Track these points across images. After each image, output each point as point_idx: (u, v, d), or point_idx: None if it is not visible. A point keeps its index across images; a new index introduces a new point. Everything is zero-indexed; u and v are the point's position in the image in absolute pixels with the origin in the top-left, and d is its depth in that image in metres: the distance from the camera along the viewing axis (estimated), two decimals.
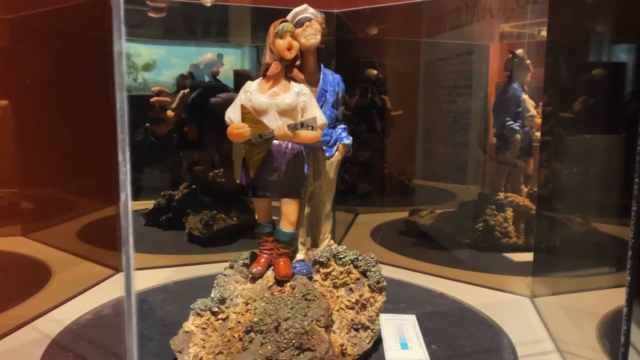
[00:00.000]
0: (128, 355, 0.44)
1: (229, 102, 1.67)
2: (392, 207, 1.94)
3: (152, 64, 1.78)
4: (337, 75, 0.94)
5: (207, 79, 1.71)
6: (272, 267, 0.90)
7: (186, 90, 1.71)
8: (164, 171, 1.87)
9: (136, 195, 1.75)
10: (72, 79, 1.38)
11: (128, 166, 0.44)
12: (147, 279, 1.25)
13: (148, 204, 1.75)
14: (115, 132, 1.36)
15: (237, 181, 1.80)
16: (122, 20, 0.41)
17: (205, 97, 1.70)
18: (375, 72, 1.98)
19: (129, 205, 0.45)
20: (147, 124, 1.64)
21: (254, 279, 0.91)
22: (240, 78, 1.74)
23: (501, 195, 1.52)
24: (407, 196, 1.98)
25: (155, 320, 1.03)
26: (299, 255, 0.91)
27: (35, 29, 1.43)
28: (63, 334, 0.95)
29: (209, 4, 1.71)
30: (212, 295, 0.89)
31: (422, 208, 1.66)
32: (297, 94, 0.86)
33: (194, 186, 1.76)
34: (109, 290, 1.18)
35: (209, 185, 1.76)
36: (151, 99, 1.68)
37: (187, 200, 1.72)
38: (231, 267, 1.02)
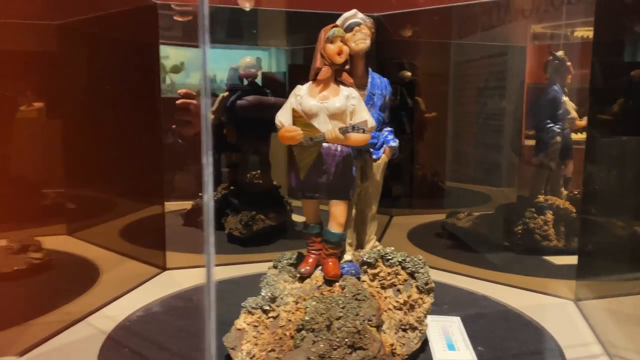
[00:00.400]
0: (207, 348, 0.46)
1: (258, 105, 1.72)
2: (426, 209, 1.94)
3: (180, 66, 1.82)
4: (384, 78, 0.95)
5: (245, 82, 1.74)
6: (320, 267, 0.92)
7: (225, 94, 1.74)
8: (201, 173, 1.90)
9: (174, 196, 1.80)
10: (118, 82, 1.42)
11: (210, 169, 0.46)
12: (190, 278, 1.28)
13: (186, 205, 1.79)
14: (159, 133, 1.39)
15: (274, 182, 1.83)
16: (206, 28, 0.42)
17: (244, 101, 1.72)
18: (409, 74, 1.98)
19: (211, 205, 0.47)
20: (173, 126, 1.68)
21: (302, 278, 0.93)
22: (269, 81, 1.77)
23: (541, 198, 1.52)
24: (441, 198, 1.99)
25: (202, 317, 1.05)
26: (347, 256, 0.93)
27: (83, 34, 1.47)
28: (117, 330, 0.98)
29: (247, 9, 1.75)
30: (262, 294, 0.91)
31: (459, 210, 1.66)
32: (346, 98, 0.87)
33: (232, 187, 1.79)
34: (156, 289, 1.22)
35: (247, 187, 1.79)
36: (177, 101, 1.71)
37: (225, 201, 1.75)
38: (275, 267, 1.05)
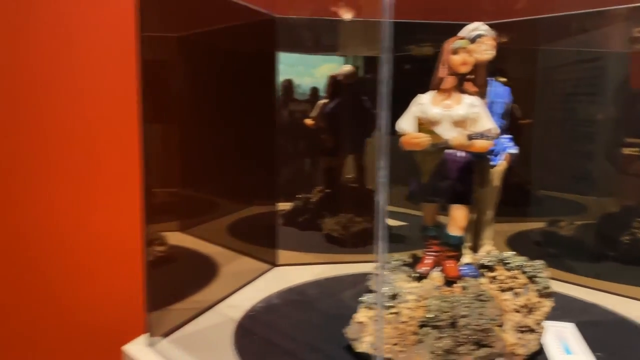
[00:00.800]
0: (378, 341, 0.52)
1: (355, 112, 1.78)
2: (522, 217, 1.93)
3: None
4: (507, 87, 0.99)
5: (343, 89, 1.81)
6: (437, 269, 0.96)
7: (325, 101, 1.82)
8: (298, 175, 1.99)
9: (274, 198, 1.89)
10: (233, 90, 1.51)
11: (386, 171, 0.51)
12: (298, 275, 1.36)
13: (284, 206, 1.88)
14: (272, 135, 1.48)
15: (368, 187, 1.88)
16: (389, 42, 0.48)
17: (342, 107, 1.79)
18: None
19: (385, 207, 0.53)
20: None
21: (419, 278, 0.98)
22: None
23: None
24: (536, 206, 1.96)
25: (319, 312, 1.13)
26: (466, 259, 0.97)
27: (202, 45, 1.59)
28: (245, 319, 1.07)
29: (347, 19, 1.82)
30: (382, 291, 0.96)
31: (560, 219, 1.64)
32: (469, 106, 0.91)
33: (328, 190, 1.86)
34: (270, 283, 1.30)
35: (342, 190, 1.86)
36: None
37: (322, 203, 1.82)
38: (382, 267, 1.10)
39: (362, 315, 0.94)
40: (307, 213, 1.83)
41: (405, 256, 1.16)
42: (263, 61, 1.45)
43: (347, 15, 1.81)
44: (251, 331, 1.01)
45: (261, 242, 1.48)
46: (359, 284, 1.19)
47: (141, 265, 0.96)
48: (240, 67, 1.48)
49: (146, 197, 0.94)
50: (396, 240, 1.74)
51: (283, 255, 1.47)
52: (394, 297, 0.95)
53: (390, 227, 1.82)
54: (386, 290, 0.96)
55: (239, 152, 1.53)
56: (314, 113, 1.84)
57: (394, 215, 1.84)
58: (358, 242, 1.65)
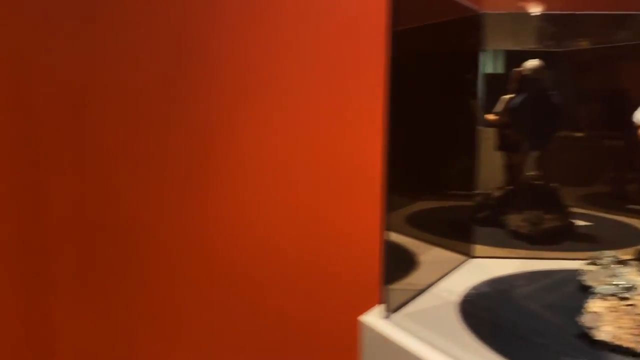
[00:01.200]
0: None
1: (542, 107, 1.75)
2: None
3: None
4: None
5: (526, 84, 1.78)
6: None
7: (510, 95, 1.81)
8: (476, 172, 1.99)
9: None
10: (435, 88, 1.55)
11: None
12: (497, 267, 1.38)
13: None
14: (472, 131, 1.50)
15: (552, 184, 1.84)
16: None
17: (529, 102, 1.77)
18: None
19: None
20: None
21: None
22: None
23: None
24: None
25: (534, 301, 1.14)
26: None
27: (407, 42, 1.65)
28: (463, 303, 1.11)
29: (536, 14, 1.79)
30: (615, 283, 0.96)
31: None
32: None
33: (510, 187, 1.85)
34: (473, 273, 1.33)
35: (526, 187, 1.84)
36: None
37: (504, 199, 1.82)
38: (593, 263, 1.09)
39: (597, 305, 0.95)
40: (488, 209, 1.83)
41: (616, 253, 1.15)
42: (466, 59, 1.48)
43: (536, 10, 1.78)
44: (474, 313, 1.06)
45: (454, 234, 1.52)
46: (561, 279, 1.19)
47: (377, 244, 1.05)
48: (444, 65, 1.51)
49: (387, 185, 1.02)
50: (587, 239, 1.68)
51: (475, 248, 1.50)
52: (628, 289, 0.95)
53: (577, 226, 1.77)
54: (622, 282, 0.96)
55: (435, 149, 1.57)
56: (498, 108, 1.84)
57: (577, 216, 1.78)
58: (549, 239, 1.62)
